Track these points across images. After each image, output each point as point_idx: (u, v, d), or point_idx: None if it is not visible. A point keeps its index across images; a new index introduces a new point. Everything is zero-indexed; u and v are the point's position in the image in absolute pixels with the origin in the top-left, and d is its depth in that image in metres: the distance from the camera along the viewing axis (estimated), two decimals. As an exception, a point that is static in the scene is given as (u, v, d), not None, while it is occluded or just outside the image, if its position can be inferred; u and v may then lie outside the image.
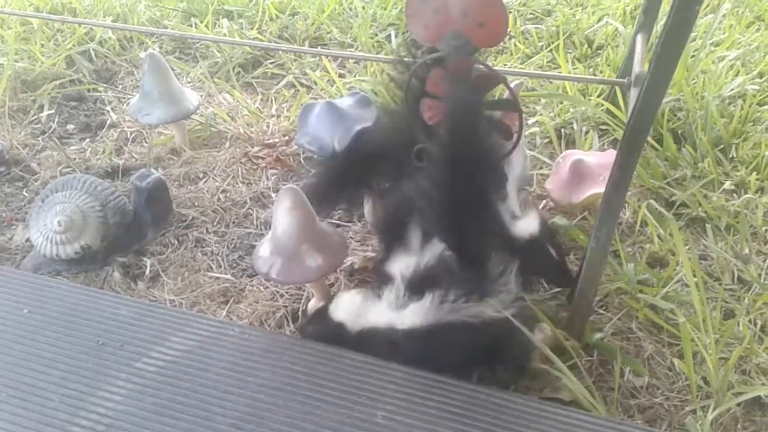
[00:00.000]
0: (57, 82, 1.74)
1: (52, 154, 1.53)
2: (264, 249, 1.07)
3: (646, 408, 1.00)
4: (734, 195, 1.35)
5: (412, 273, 0.98)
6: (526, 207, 1.11)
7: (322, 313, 1.05)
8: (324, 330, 1.03)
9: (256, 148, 1.52)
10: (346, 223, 1.32)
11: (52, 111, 1.67)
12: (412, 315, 0.95)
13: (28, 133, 1.61)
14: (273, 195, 1.39)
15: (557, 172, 1.28)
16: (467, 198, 0.91)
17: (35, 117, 1.66)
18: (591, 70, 1.73)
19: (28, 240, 1.30)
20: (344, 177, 1.18)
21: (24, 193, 1.44)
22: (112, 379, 0.97)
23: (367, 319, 0.99)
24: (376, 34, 1.88)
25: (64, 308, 1.09)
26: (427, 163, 0.95)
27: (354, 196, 1.23)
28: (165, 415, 0.92)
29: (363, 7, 1.99)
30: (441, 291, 0.94)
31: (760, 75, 1.64)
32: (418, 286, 0.97)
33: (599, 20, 1.89)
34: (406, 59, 1.02)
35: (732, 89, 1.57)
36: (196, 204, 1.38)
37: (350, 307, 1.02)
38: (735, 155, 1.43)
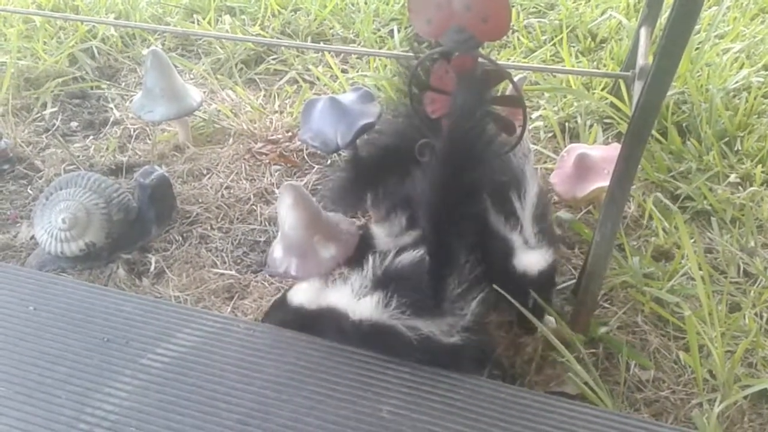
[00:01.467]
0: (60, 80, 1.74)
1: (56, 152, 1.53)
2: (277, 250, 1.08)
3: (652, 401, 1.00)
4: (739, 188, 1.35)
5: (382, 269, 0.98)
6: (545, 242, 1.05)
7: (281, 301, 1.06)
8: (283, 315, 1.04)
9: (259, 144, 1.52)
10: (350, 219, 1.32)
11: (56, 109, 1.68)
12: (364, 308, 0.96)
13: (32, 131, 1.61)
14: (276, 191, 1.39)
15: (561, 166, 1.28)
16: (458, 195, 0.90)
17: (39, 115, 1.66)
18: (595, 63, 1.72)
19: (32, 237, 1.30)
20: (374, 171, 1.16)
21: (28, 190, 1.44)
22: (118, 376, 0.97)
23: (327, 299, 1.00)
24: (379, 30, 1.88)
25: (69, 305, 1.09)
26: (429, 158, 0.95)
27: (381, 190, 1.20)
28: (171, 410, 0.92)
29: (365, 3, 1.98)
30: (389, 294, 0.94)
31: (765, 67, 1.63)
32: (380, 282, 0.96)
33: (603, 13, 1.88)
34: (409, 54, 1.02)
35: (737, 82, 1.56)
36: (199, 200, 1.38)
37: (308, 292, 1.02)
38: (740, 148, 1.43)
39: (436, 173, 0.89)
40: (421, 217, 0.96)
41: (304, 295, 1.02)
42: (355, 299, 0.97)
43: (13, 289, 1.12)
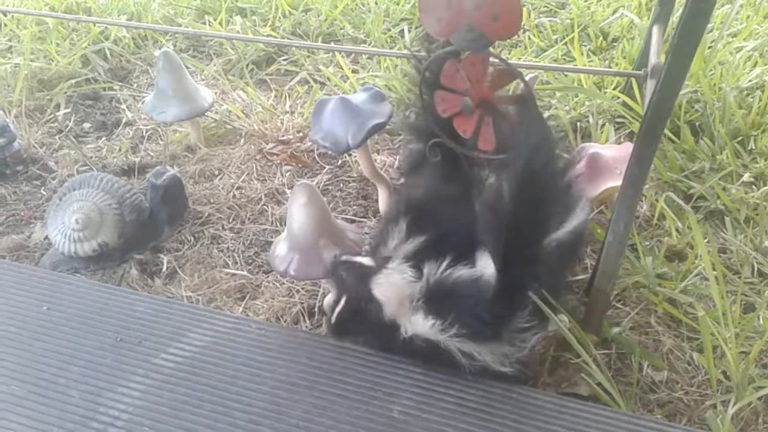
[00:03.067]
0: (73, 81, 1.76)
1: (69, 153, 1.54)
2: (280, 247, 1.07)
3: (665, 403, 0.99)
4: (753, 187, 1.34)
5: (435, 282, 0.93)
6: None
7: (364, 271, 0.98)
8: (355, 290, 0.98)
9: (270, 145, 1.52)
10: (361, 219, 1.32)
11: (69, 110, 1.69)
12: (416, 325, 0.93)
13: (45, 132, 1.62)
14: (288, 191, 1.39)
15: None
16: (532, 232, 0.86)
17: (52, 116, 1.67)
18: (606, 62, 1.71)
19: (46, 238, 1.31)
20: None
21: (42, 191, 1.46)
22: (131, 375, 0.98)
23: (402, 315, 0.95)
24: (389, 30, 1.88)
25: (83, 305, 1.10)
26: (497, 191, 0.89)
27: None
28: (183, 410, 0.93)
29: (376, 3, 1.98)
30: (446, 320, 0.90)
31: (779, 66, 1.62)
32: (433, 301, 0.92)
33: (614, 12, 1.87)
34: (420, 54, 1.01)
35: (750, 80, 1.55)
36: (211, 201, 1.38)
37: (391, 293, 0.95)
38: (754, 147, 1.41)
39: (509, 210, 0.85)
40: (490, 252, 0.90)
41: (385, 292, 0.95)
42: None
43: (27, 289, 1.13)
